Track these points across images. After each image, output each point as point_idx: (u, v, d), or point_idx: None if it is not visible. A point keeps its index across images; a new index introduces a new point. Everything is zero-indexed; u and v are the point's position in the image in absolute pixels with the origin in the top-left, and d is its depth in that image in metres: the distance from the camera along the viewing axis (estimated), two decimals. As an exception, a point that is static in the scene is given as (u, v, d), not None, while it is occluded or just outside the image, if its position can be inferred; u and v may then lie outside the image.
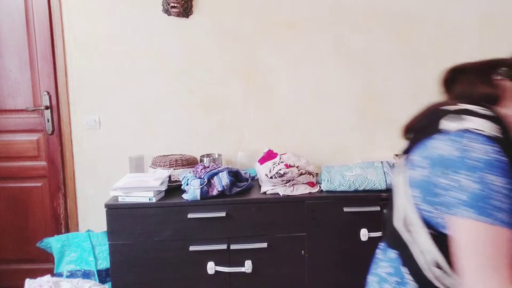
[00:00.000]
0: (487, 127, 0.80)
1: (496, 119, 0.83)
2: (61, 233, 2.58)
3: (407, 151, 0.98)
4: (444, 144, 0.83)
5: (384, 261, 1.01)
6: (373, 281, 1.04)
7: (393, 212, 0.98)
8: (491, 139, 0.79)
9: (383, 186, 2.22)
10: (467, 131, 0.81)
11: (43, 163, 2.69)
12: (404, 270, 0.94)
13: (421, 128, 0.94)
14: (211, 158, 2.47)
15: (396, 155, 2.57)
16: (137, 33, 2.56)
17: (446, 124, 0.86)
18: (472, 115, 0.83)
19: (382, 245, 1.07)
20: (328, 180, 2.23)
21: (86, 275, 2.32)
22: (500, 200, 0.75)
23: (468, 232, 0.76)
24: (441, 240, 0.85)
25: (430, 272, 0.87)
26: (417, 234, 0.90)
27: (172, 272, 2.17)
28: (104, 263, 2.33)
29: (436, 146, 0.85)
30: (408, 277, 0.93)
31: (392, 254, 0.98)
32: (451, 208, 0.79)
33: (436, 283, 0.87)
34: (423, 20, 2.59)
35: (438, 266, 0.87)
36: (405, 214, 0.93)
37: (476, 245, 0.75)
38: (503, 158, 0.77)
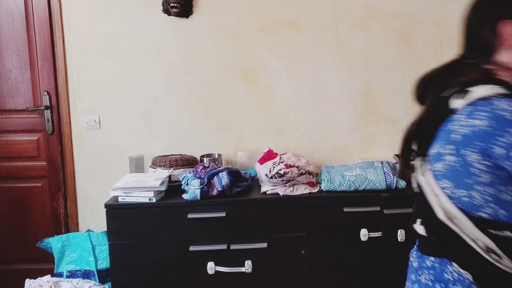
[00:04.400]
0: (493, 88, 0.87)
1: (491, 82, 0.90)
2: (61, 233, 2.57)
3: (422, 152, 1.01)
4: (469, 120, 0.88)
5: (424, 269, 1.02)
6: None
7: (420, 217, 1.02)
8: (506, 95, 0.86)
9: (383, 186, 2.22)
10: (482, 100, 0.87)
11: (43, 163, 2.68)
12: (452, 268, 0.96)
13: (431, 119, 0.97)
14: (211, 158, 2.47)
15: (396, 155, 2.57)
16: (137, 33, 2.56)
17: (456, 102, 0.90)
18: (473, 87, 0.89)
19: (415, 253, 1.08)
20: (328, 180, 2.23)
21: (86, 275, 2.32)
22: None
23: None
24: (483, 224, 0.90)
25: (490, 257, 0.90)
26: (461, 224, 0.93)
27: (172, 272, 2.17)
28: (104, 263, 2.33)
29: (459, 126, 0.90)
30: (459, 272, 0.94)
31: (428, 262, 1.01)
32: None
33: (499, 266, 0.90)
34: (423, 20, 2.59)
35: (491, 251, 0.91)
36: (444, 208, 0.95)
37: None
38: None
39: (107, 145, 2.62)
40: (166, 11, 2.52)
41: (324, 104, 2.62)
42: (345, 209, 2.16)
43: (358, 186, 2.21)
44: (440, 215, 0.96)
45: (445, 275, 0.97)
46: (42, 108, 2.63)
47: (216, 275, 2.15)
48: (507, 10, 0.96)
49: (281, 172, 2.17)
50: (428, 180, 0.98)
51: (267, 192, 2.22)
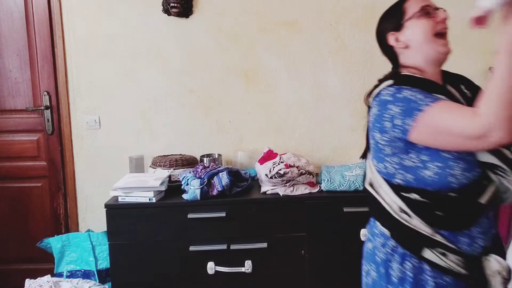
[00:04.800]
0: (385, 84, 1.18)
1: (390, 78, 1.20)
2: (61, 233, 2.57)
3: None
4: (372, 110, 1.18)
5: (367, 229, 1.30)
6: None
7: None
8: (392, 85, 1.16)
9: (383, 186, 2.22)
10: (377, 95, 1.18)
11: (43, 163, 2.68)
12: (377, 224, 1.21)
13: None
14: (211, 158, 2.47)
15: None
16: (137, 33, 2.56)
17: (370, 99, 1.23)
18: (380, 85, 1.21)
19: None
20: (328, 180, 2.23)
21: (86, 275, 2.32)
22: (420, 97, 1.07)
23: (429, 120, 1.04)
24: (398, 189, 1.13)
25: (400, 217, 1.13)
26: (383, 190, 1.17)
27: (172, 272, 2.17)
28: (104, 263, 2.33)
29: (370, 116, 1.19)
30: (381, 228, 1.19)
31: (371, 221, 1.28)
32: (406, 127, 1.06)
33: (407, 225, 1.12)
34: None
35: (403, 211, 1.13)
36: (369, 178, 1.23)
37: (440, 120, 1.03)
38: (409, 89, 1.12)
39: (107, 145, 2.62)
40: (166, 11, 2.51)
41: (324, 104, 2.62)
42: (345, 209, 2.16)
43: (358, 186, 2.21)
44: (366, 183, 1.25)
45: (374, 229, 1.23)
46: (42, 108, 2.63)
47: (216, 275, 2.15)
48: (388, 25, 1.30)
49: (281, 172, 2.17)
50: (368, 161, 1.26)
51: (267, 192, 2.22)
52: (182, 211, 2.14)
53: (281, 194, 2.18)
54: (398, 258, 1.14)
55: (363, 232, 2.15)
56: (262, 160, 2.32)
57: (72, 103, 2.61)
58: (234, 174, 2.25)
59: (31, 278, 2.16)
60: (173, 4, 2.47)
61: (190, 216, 2.13)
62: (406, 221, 1.12)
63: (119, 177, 2.29)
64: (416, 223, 1.11)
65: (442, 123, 1.02)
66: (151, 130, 2.62)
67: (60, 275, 2.33)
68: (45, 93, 2.62)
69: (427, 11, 1.27)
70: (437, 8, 1.31)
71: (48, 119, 2.64)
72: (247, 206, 2.18)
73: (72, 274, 2.32)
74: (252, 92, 2.61)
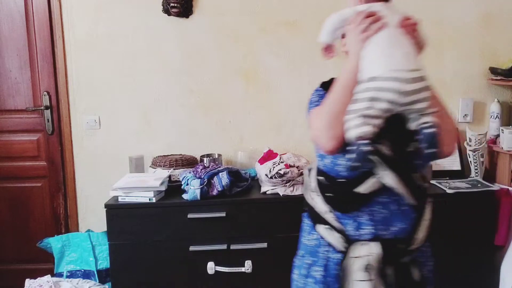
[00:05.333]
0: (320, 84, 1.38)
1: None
2: (61, 233, 2.57)
3: None
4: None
5: None
6: None
7: None
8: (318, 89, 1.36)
9: (383, 186, 2.22)
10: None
11: (43, 163, 2.68)
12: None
13: None
14: (211, 158, 2.47)
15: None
16: (137, 33, 2.56)
17: None
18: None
19: None
20: (328, 180, 2.23)
21: (86, 275, 2.32)
22: (314, 100, 1.32)
23: (309, 121, 1.28)
24: (317, 172, 1.31)
25: (310, 195, 1.32)
26: (313, 171, 1.35)
27: (172, 272, 2.17)
28: (104, 263, 2.33)
29: None
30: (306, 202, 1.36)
31: None
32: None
33: (312, 201, 1.31)
34: (423, 20, 2.58)
35: (313, 191, 1.31)
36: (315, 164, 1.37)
37: (311, 123, 1.26)
38: (319, 91, 1.34)
39: (107, 145, 2.62)
40: (166, 11, 2.51)
41: (324, 104, 2.61)
42: (345, 209, 2.16)
43: (358, 186, 2.21)
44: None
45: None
46: (42, 108, 2.63)
47: (216, 275, 2.15)
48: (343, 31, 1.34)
49: (281, 172, 2.17)
50: None
51: (267, 192, 2.22)
52: (182, 211, 2.14)
53: (281, 194, 2.18)
54: (308, 229, 1.34)
55: (363, 232, 2.15)
56: (262, 160, 2.32)
57: (72, 103, 2.61)
58: (234, 174, 2.25)
59: (31, 278, 2.16)
60: (173, 4, 2.47)
61: (190, 216, 2.13)
62: (312, 198, 1.31)
63: (119, 177, 2.29)
64: (318, 201, 1.28)
65: (311, 125, 1.25)
66: (151, 130, 2.62)
67: (60, 275, 2.33)
68: (45, 93, 2.62)
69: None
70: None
71: (48, 119, 2.64)
72: (247, 206, 2.18)
73: (72, 274, 2.32)
74: (252, 92, 2.61)
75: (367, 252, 1.18)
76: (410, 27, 1.16)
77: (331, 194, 1.25)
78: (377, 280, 1.17)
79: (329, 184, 1.26)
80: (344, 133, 1.12)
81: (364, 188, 1.18)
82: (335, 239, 1.23)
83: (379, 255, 1.17)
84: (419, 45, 1.22)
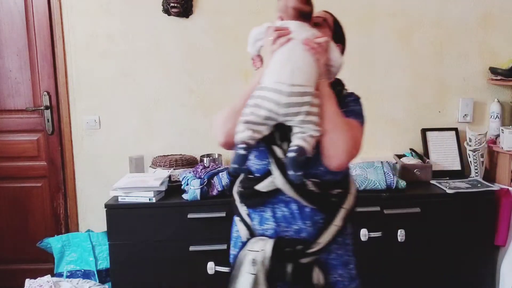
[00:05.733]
0: None
1: None
2: (61, 233, 2.57)
3: None
4: None
5: None
6: None
7: None
8: None
9: (383, 186, 2.22)
10: None
11: (43, 163, 2.68)
12: None
13: None
14: (211, 158, 2.47)
15: (396, 155, 2.57)
16: (137, 33, 2.55)
17: None
18: None
19: None
20: (328, 180, 2.23)
21: (86, 275, 2.32)
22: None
23: None
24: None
25: (235, 189, 1.38)
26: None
27: (172, 272, 2.17)
28: (104, 263, 2.33)
29: None
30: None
31: None
32: None
33: (234, 194, 1.38)
34: (423, 20, 2.59)
35: (238, 186, 1.36)
36: None
37: None
38: None
39: (107, 145, 2.62)
40: (166, 11, 2.51)
41: (324, 104, 2.61)
42: (345, 209, 2.16)
43: (358, 186, 2.21)
44: None
45: None
46: (42, 108, 2.63)
47: (216, 275, 2.14)
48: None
49: (281, 172, 2.16)
50: None
51: (267, 192, 2.22)
52: (182, 211, 2.14)
53: (281, 194, 2.18)
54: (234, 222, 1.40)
55: (363, 232, 2.15)
56: (262, 160, 2.31)
57: (72, 103, 2.61)
58: (234, 174, 2.25)
59: (31, 278, 2.16)
60: (173, 4, 2.47)
61: (190, 216, 2.13)
62: (235, 192, 1.38)
63: (119, 177, 2.29)
64: (236, 194, 1.36)
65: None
66: (151, 130, 2.62)
67: (60, 275, 2.33)
68: (45, 93, 2.62)
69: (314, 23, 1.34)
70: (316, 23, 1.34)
71: (48, 119, 2.64)
72: (247, 206, 2.17)
73: (72, 274, 2.32)
74: (252, 92, 2.60)
75: (258, 248, 1.23)
76: (315, 46, 1.20)
77: (241, 189, 1.34)
78: (262, 276, 1.21)
79: (242, 179, 1.35)
80: (233, 137, 1.22)
81: (262, 186, 1.24)
82: (243, 231, 1.31)
83: (267, 252, 1.21)
84: (328, 65, 1.28)
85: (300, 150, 1.14)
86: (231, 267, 1.29)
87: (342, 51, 1.44)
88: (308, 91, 1.16)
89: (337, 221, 1.26)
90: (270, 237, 1.25)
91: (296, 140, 1.16)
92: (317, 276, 1.24)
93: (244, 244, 1.28)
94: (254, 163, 1.29)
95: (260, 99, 1.17)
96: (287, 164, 1.15)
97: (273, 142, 1.23)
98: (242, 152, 1.19)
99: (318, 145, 1.19)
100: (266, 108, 1.16)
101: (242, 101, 1.23)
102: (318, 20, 1.34)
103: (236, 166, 1.20)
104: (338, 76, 1.43)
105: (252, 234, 1.29)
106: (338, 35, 1.41)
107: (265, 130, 1.20)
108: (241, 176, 1.37)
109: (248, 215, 1.32)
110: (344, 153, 1.18)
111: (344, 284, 1.31)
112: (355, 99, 1.39)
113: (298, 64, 1.18)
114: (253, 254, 1.22)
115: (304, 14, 1.25)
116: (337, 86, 1.38)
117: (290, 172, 1.15)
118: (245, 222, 1.31)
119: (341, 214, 1.27)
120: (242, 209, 1.33)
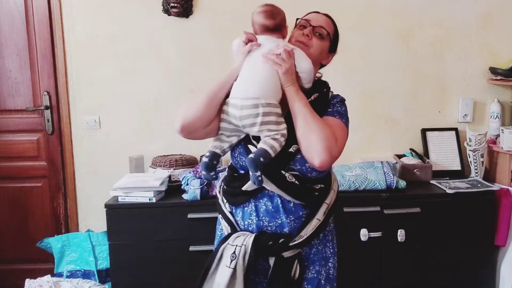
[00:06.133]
0: None
1: None
2: (61, 233, 2.57)
3: None
4: None
5: None
6: None
7: None
8: None
9: (383, 186, 2.22)
10: None
11: (43, 163, 2.68)
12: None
13: None
14: (211, 158, 2.47)
15: (396, 155, 2.57)
16: (137, 33, 2.55)
17: None
18: None
19: None
20: (328, 180, 2.23)
21: (86, 275, 2.32)
22: None
23: None
24: None
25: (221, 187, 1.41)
26: None
27: (172, 272, 2.17)
28: (104, 263, 2.33)
29: None
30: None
31: None
32: None
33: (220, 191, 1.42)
34: (423, 20, 2.59)
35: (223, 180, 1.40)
36: None
37: None
38: None
39: (107, 145, 2.62)
40: (166, 11, 2.51)
41: (324, 104, 2.61)
42: (345, 209, 2.16)
43: (358, 186, 2.21)
44: None
45: None
46: (42, 108, 2.63)
47: (216, 275, 2.14)
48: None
49: (281, 172, 2.16)
50: None
51: (267, 192, 2.22)
52: (182, 211, 2.14)
53: (281, 194, 2.18)
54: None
55: (363, 232, 2.15)
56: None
57: (72, 103, 2.61)
58: (234, 174, 2.25)
59: (31, 278, 2.16)
60: (173, 4, 2.47)
61: (190, 216, 2.13)
62: (217, 190, 1.42)
63: (119, 177, 2.29)
64: (219, 194, 1.40)
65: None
66: (151, 130, 2.62)
67: (60, 275, 2.33)
68: (45, 93, 2.62)
69: (300, 24, 1.47)
70: (304, 25, 1.45)
71: (48, 119, 2.64)
72: (247, 206, 2.17)
73: (72, 274, 2.32)
74: (252, 92, 2.60)
75: (239, 242, 1.25)
76: (272, 58, 1.26)
77: (225, 187, 1.37)
78: (241, 270, 1.24)
79: (227, 177, 1.38)
80: (190, 124, 1.26)
81: (247, 186, 1.27)
82: (225, 227, 1.34)
83: (248, 247, 1.24)
84: (297, 71, 1.30)
85: (261, 152, 1.20)
86: (208, 258, 1.32)
87: (331, 58, 1.50)
88: (261, 102, 1.22)
89: (319, 215, 1.29)
90: (252, 232, 1.28)
91: (260, 143, 1.23)
92: (295, 270, 1.26)
93: (225, 237, 1.30)
94: (238, 160, 1.32)
95: (223, 113, 1.28)
96: (248, 165, 1.20)
97: (249, 141, 1.29)
98: (205, 160, 1.27)
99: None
100: (227, 120, 1.27)
101: (205, 93, 1.28)
102: (322, 32, 1.41)
103: (204, 172, 1.29)
104: (325, 78, 1.50)
105: (235, 230, 1.31)
106: (334, 45, 1.48)
107: (234, 140, 1.30)
108: (225, 174, 1.41)
109: (231, 212, 1.35)
110: (323, 150, 1.20)
111: (320, 282, 1.32)
112: (340, 100, 1.44)
113: (256, 78, 1.27)
114: (234, 249, 1.25)
115: (270, 28, 1.37)
116: (322, 88, 1.42)
117: (250, 173, 1.20)
118: (228, 220, 1.34)
119: (323, 208, 1.30)
120: (225, 207, 1.36)
